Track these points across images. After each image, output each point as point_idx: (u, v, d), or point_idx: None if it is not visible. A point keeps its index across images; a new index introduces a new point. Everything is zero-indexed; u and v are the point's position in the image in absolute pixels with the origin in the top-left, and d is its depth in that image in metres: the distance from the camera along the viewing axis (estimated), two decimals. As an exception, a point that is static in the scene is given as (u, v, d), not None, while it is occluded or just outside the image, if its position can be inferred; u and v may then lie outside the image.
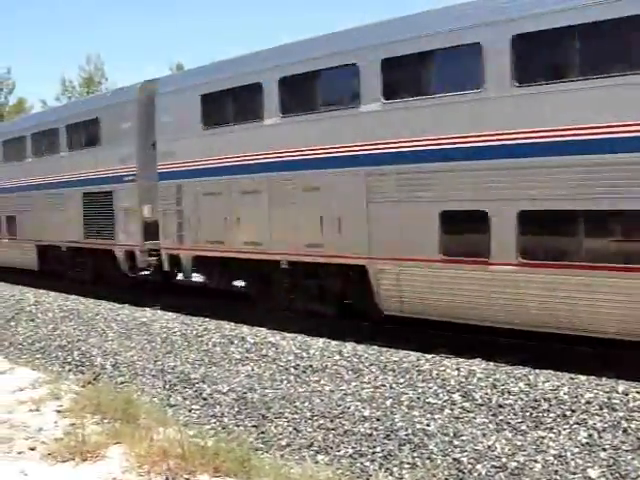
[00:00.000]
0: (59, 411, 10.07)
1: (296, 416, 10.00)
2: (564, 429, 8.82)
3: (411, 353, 12.29)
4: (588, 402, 9.41)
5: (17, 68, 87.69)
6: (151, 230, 18.78)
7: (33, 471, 7.89)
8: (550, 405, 9.46)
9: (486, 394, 10.03)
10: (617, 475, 7.67)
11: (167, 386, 11.91)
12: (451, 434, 8.90)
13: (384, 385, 10.91)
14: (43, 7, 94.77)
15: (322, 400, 10.45)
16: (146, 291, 20.35)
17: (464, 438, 8.76)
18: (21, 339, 16.08)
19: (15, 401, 10.63)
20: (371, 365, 11.83)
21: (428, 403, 10.03)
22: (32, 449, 8.61)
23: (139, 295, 19.69)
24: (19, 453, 8.50)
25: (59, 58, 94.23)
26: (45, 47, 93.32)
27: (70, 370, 13.43)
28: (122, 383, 12.28)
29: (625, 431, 8.58)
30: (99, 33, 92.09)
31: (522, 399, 9.72)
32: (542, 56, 11.90)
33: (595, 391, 9.75)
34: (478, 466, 8.08)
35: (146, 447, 8.08)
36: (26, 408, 10.26)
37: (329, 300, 15.24)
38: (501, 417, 9.33)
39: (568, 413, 9.20)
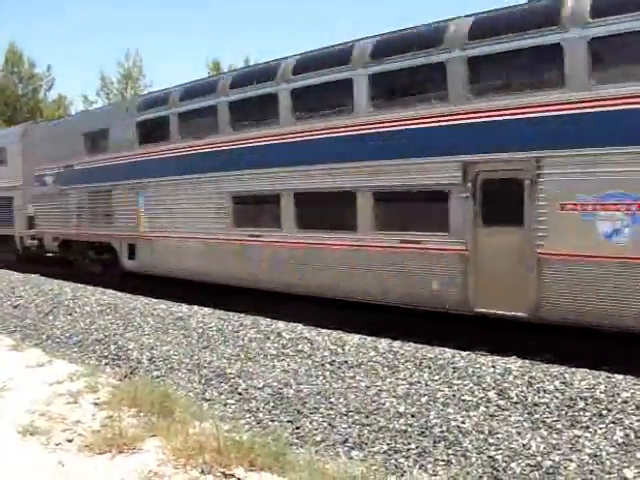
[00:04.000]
0: (96, 404, 10.14)
1: (331, 412, 10.01)
2: (600, 428, 8.76)
3: (447, 350, 12.27)
4: (625, 401, 9.34)
5: (57, 63, 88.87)
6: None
7: (70, 462, 7.97)
8: (586, 404, 9.40)
9: (522, 392, 9.98)
10: (654, 475, 7.62)
11: (203, 381, 11.97)
12: (486, 432, 8.87)
13: (419, 382, 10.89)
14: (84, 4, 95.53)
15: (357, 396, 10.46)
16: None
17: (499, 436, 8.73)
18: (59, 332, 16.28)
19: (53, 393, 10.73)
20: (407, 362, 11.83)
21: (463, 400, 10.01)
22: (70, 440, 8.69)
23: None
24: (57, 444, 8.58)
25: (99, 54, 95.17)
26: (85, 43, 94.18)
27: (107, 364, 13.55)
28: (158, 377, 12.37)
29: (662, 431, 8.50)
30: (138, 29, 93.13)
31: (558, 397, 9.67)
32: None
33: (632, 390, 9.66)
34: (513, 464, 8.05)
35: (182, 441, 8.12)
36: (64, 400, 10.35)
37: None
38: (536, 415, 9.28)
39: (604, 412, 9.13)
